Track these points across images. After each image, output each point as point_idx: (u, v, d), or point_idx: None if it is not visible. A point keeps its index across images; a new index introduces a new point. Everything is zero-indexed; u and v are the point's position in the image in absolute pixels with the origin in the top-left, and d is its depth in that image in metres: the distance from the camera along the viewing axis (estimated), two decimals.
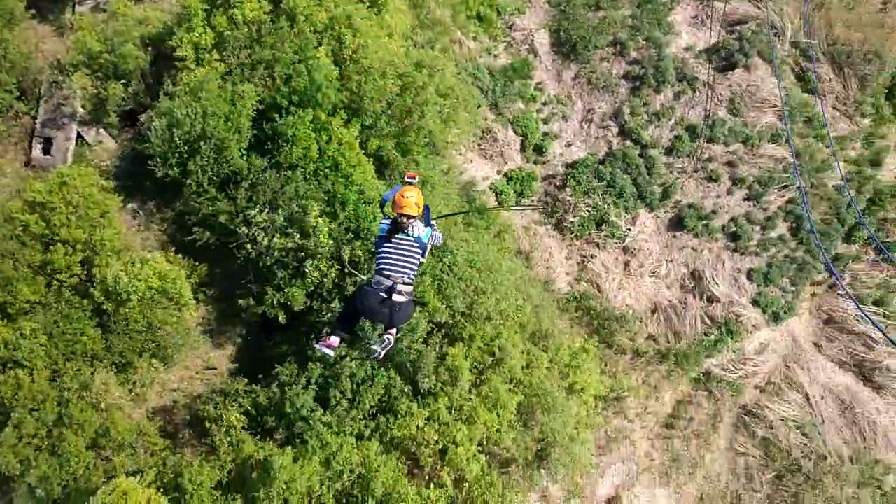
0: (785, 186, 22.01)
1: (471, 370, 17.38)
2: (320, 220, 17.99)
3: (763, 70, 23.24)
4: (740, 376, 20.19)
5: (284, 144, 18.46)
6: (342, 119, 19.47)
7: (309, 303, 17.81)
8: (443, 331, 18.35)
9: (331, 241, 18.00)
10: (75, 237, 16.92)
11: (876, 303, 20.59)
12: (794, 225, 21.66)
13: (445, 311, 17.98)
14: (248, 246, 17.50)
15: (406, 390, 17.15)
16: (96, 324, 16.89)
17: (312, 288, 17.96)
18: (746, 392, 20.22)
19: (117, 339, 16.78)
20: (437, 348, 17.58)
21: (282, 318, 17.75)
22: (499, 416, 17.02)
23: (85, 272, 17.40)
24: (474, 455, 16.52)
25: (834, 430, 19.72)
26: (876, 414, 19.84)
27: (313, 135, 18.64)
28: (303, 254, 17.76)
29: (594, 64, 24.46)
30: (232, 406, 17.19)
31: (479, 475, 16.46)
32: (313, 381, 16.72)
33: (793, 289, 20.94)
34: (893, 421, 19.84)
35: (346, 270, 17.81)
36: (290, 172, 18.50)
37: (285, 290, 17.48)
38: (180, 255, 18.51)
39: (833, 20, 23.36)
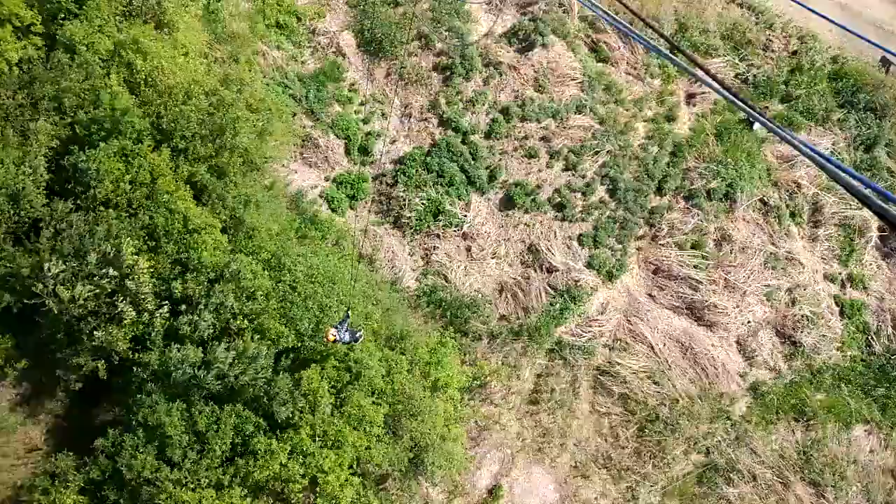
0: (596, 152, 22.56)
1: (329, 391, 16.12)
2: (138, 257, 15.78)
3: (560, 46, 23.76)
4: (589, 339, 20.52)
5: (91, 181, 16.19)
6: (149, 145, 17.35)
7: (137, 348, 15.55)
8: (292, 355, 16.80)
9: (152, 281, 15.86)
10: None
11: (693, 246, 21.66)
12: (611, 187, 22.39)
13: (291, 335, 16.43)
14: (50, 302, 14.83)
15: (262, 425, 15.46)
16: None
17: (139, 331, 15.69)
18: (598, 353, 20.64)
19: None
20: (289, 374, 15.97)
21: (102, 371, 15.39)
22: (366, 433, 16.04)
23: None
24: (347, 479, 15.27)
25: (680, 372, 20.57)
26: (712, 349, 20.97)
27: (122, 166, 16.78)
28: (121, 297, 15.41)
29: (403, 59, 23.75)
30: (65, 488, 14.62)
31: (355, 499, 15.18)
32: (142, 443, 14.50)
33: (620, 247, 21.62)
34: (728, 353, 21.03)
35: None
36: (102, 210, 16.39)
37: (100, 336, 14.99)
38: None
39: None
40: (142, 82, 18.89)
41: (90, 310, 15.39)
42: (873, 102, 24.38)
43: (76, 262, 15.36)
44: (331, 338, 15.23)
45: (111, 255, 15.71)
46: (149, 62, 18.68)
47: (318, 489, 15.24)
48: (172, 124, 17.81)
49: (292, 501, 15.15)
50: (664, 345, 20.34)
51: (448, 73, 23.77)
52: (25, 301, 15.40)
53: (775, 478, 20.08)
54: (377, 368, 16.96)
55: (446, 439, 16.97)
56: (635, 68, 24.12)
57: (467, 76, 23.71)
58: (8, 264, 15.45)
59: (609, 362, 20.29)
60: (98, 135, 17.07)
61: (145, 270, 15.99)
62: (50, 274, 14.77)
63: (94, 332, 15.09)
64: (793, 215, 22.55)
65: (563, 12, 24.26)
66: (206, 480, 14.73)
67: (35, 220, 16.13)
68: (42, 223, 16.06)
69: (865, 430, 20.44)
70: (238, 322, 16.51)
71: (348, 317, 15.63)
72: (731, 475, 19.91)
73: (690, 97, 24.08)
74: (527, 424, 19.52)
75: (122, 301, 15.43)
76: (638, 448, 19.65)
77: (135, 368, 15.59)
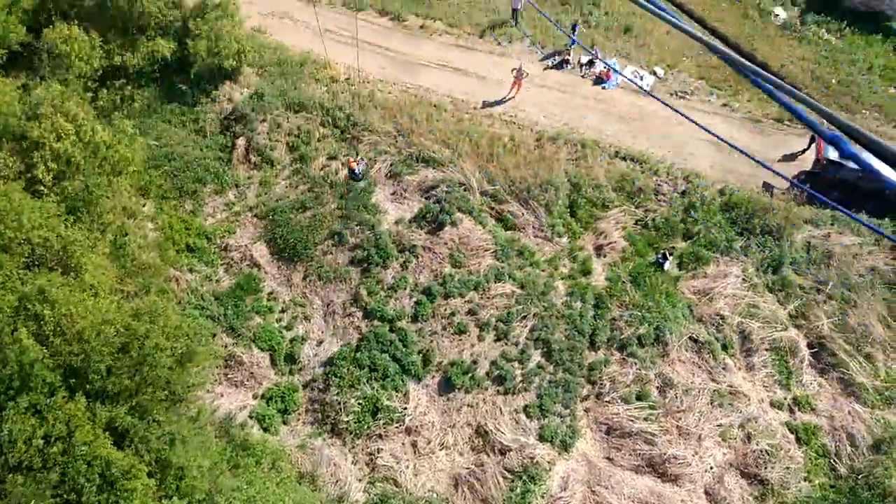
0: (524, 317, 23.19)
1: None
2: None
3: (468, 222, 25.08)
4: None
5: (2, 446, 15.09)
6: (63, 397, 16.61)
7: None
8: None
9: None
10: None
11: (639, 397, 21.93)
12: (546, 349, 22.72)
13: None
14: None
15: None
16: None
17: None
18: None
19: None
20: None
21: None
22: None
23: None
24: None
25: None
26: None
27: (35, 422, 15.82)
28: None
29: (318, 259, 24.41)
30: None
31: None
32: None
33: (567, 411, 21.54)
34: None
35: None
36: (10, 477, 15.18)
37: None
38: None
39: (505, 165, 26.34)
40: (50, 333, 18.56)
41: None
42: (767, 226, 26.58)
43: None
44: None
45: None
46: (56, 310, 18.50)
47: None
48: (84, 365, 17.35)
49: None
50: None
51: (365, 265, 24.48)
52: None
53: None
54: None
55: None
56: (542, 230, 25.62)
57: (384, 264, 24.49)
58: None
59: None
60: (7, 394, 16.38)
61: None
62: None
63: None
64: (724, 347, 23.34)
65: (465, 190, 26.04)
66: None
67: None
68: None
69: None
70: None
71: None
72: None
73: (599, 249, 25.55)
74: None
75: None
76: None
77: None
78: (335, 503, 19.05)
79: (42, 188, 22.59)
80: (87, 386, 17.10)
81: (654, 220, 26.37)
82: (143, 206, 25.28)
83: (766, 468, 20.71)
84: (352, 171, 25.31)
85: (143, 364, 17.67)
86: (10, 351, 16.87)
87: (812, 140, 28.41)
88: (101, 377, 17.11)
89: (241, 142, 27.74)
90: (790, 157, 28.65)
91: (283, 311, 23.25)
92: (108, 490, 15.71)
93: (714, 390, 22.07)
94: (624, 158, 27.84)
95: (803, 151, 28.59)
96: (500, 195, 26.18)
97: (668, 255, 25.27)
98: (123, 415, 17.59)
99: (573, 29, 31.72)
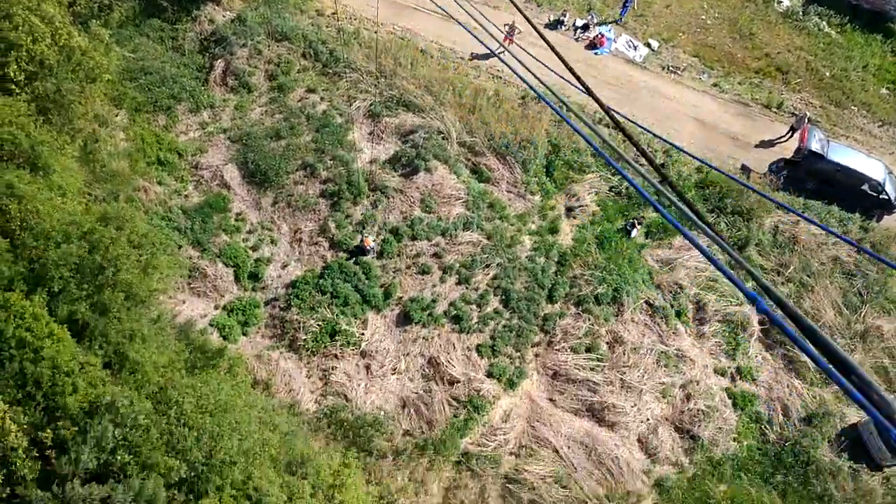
0: (487, 266, 27.14)
1: None
2: (7, 414, 17.66)
3: (442, 169, 28.90)
4: (495, 448, 23.66)
5: None
6: (21, 291, 19.76)
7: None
8: (184, 487, 18.80)
9: (25, 437, 17.68)
10: None
11: (588, 349, 26.04)
12: (504, 297, 26.67)
13: (181, 465, 18.48)
14: None
15: None
16: None
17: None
18: (504, 462, 23.68)
19: None
20: None
21: None
22: None
23: None
24: None
25: (586, 474, 23.90)
26: (616, 449, 24.55)
27: None
28: None
29: (290, 188, 28.02)
30: None
31: None
32: None
33: (518, 354, 25.54)
34: (631, 452, 24.74)
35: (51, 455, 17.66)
36: None
37: None
38: None
39: (487, 119, 30.20)
40: (17, 227, 21.73)
41: None
42: (739, 206, 30.86)
43: None
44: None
45: None
46: (23, 206, 21.61)
47: None
48: (50, 269, 20.46)
49: None
50: (569, 448, 23.85)
51: (336, 199, 28.19)
52: None
53: None
54: (278, 496, 19.24)
55: None
56: (515, 186, 29.60)
57: (355, 200, 28.23)
58: None
59: (516, 469, 23.37)
60: None
61: (13, 429, 17.86)
62: None
63: None
64: (678, 314, 27.57)
65: (443, 139, 29.85)
66: None
67: None
68: None
69: None
70: (120, 456, 18.48)
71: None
72: None
73: (570, 210, 29.59)
74: None
75: None
76: None
77: None
78: (287, 409, 22.80)
79: (13, 87, 25.75)
80: (50, 284, 20.18)
81: (627, 188, 30.48)
82: (116, 115, 28.61)
83: (699, 426, 24.95)
84: (362, 248, 26.89)
85: (106, 268, 20.93)
86: None
87: (792, 129, 32.74)
88: (63, 278, 20.18)
89: (219, 63, 31.19)
90: (769, 144, 32.97)
91: (249, 232, 26.85)
92: (56, 381, 18.79)
93: (662, 352, 26.23)
94: (607, 126, 31.88)
95: (782, 138, 32.93)
96: (478, 147, 30.04)
97: (636, 223, 29.40)
98: (84, 309, 20.93)
99: None
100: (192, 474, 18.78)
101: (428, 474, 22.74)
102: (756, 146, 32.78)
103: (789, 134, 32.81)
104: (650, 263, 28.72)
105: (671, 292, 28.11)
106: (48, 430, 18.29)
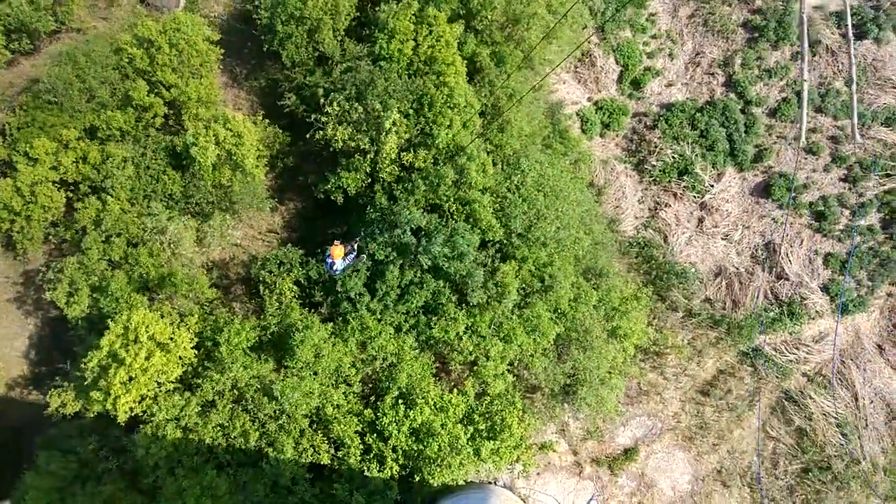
0: (888, 175, 23.14)
1: (518, 291, 19.39)
2: (396, 122, 19.79)
3: (894, 47, 24.03)
4: (790, 360, 21.93)
5: (382, 35, 20.31)
6: (447, 16, 21.25)
7: (364, 189, 20.05)
8: (496, 247, 20.32)
9: (395, 149, 19.88)
10: (169, 80, 19.45)
11: None
12: (888, 217, 22.89)
13: (500, 229, 19.81)
14: (319, 133, 19.75)
15: (453, 299, 19.29)
16: (177, 165, 19.62)
17: (368, 181, 20.14)
18: (793, 377, 21.99)
19: (195, 188, 19.50)
20: (490, 262, 19.58)
21: (339, 199, 20.05)
22: (535, 342, 19.07)
23: (174, 114, 20.04)
24: (503, 373, 18.78)
25: (876, 436, 21.42)
26: None
27: (413, 27, 20.48)
28: (362, 155, 19.85)
29: (714, 5, 25.48)
30: (287, 274, 19.58)
31: (503, 393, 18.78)
32: (364, 269, 19.09)
33: (869, 283, 22.37)
34: None
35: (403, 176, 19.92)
36: (384, 64, 20.41)
37: (341, 176, 19.73)
38: (267, 121, 20.88)
39: None
40: None
41: (340, 149, 20.16)
42: None
43: (349, 106, 19.95)
44: (336, 253, 18.38)
45: (375, 114, 20.01)
46: None
47: (474, 369, 19.05)
48: (480, 6, 21.60)
49: (450, 369, 19.17)
50: (871, 401, 21.28)
51: (756, 35, 25.13)
52: (306, 111, 20.59)
53: None
54: (567, 291, 19.99)
55: (604, 384, 19.79)
56: None
57: (776, 44, 24.93)
58: (305, 77, 20.72)
59: (801, 391, 21.69)
60: None
61: (393, 139, 20.09)
62: (327, 110, 19.62)
63: (336, 176, 19.90)
64: None
65: None
66: (391, 319, 19.12)
67: (325, 54, 21.02)
68: (332, 59, 20.99)
69: None
70: (449, 204, 20.27)
71: (355, 252, 18.91)
72: None
73: None
74: (688, 410, 21.83)
75: (364, 156, 19.89)
76: (793, 486, 21.16)
77: (368, 208, 20.14)
78: (607, 221, 22.97)
79: None
80: (475, 18, 21.28)
81: None
82: None
83: None
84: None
85: (520, 21, 21.42)
86: None
87: None
88: (486, 20, 21.09)
89: None
90: None
91: (653, 37, 25.38)
92: (443, 112, 20.39)
93: None
94: None
95: None
96: None
97: None
98: (486, 55, 21.96)
99: None
100: (507, 240, 20.11)
101: (709, 348, 22.05)
102: None
103: None
104: None
105: None
106: (409, 154, 20.32)
